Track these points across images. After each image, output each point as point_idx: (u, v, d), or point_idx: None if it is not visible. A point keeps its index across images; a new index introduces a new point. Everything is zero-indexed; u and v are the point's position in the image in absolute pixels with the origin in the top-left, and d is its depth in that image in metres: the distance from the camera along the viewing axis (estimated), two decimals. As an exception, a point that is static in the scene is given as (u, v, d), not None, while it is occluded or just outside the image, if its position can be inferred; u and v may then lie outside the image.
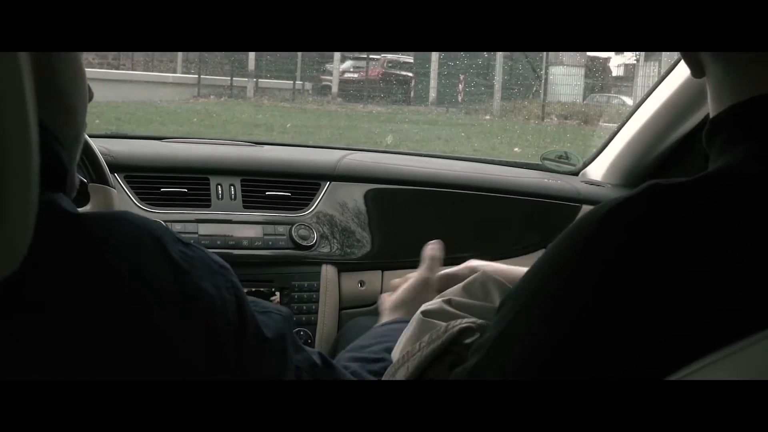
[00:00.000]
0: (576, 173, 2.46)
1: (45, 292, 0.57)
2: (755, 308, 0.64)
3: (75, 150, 0.74)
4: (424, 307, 1.13)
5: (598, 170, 2.41)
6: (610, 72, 15.57)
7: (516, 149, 9.28)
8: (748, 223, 0.67)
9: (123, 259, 0.61)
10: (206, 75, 14.23)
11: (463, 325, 1.00)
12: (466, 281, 1.19)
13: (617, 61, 15.59)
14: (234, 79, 14.28)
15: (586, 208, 2.19)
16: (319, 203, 2.04)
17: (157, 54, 14.61)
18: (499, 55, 12.91)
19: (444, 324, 1.04)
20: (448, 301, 1.13)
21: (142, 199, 1.87)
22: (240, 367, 0.66)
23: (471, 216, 2.19)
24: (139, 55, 14.16)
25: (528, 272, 0.78)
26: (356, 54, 15.13)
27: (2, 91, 0.45)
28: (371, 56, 14.89)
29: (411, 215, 2.16)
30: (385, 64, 15.14)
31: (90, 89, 0.78)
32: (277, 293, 1.91)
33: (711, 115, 0.80)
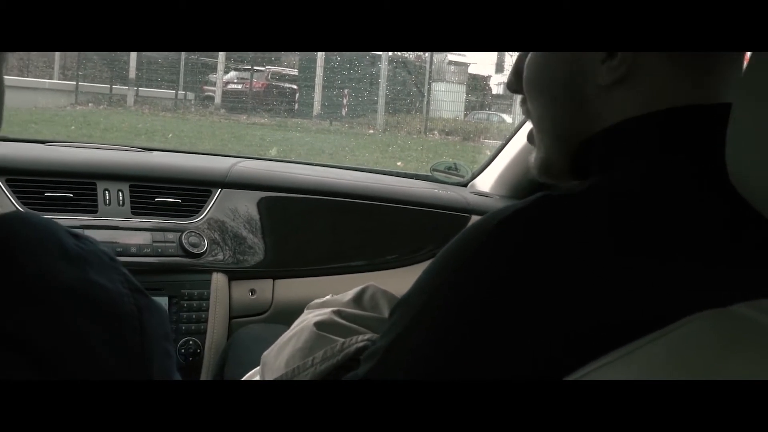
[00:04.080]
0: (465, 185, 2.51)
1: None
2: (639, 318, 0.66)
3: None
4: (315, 318, 1.12)
5: (486, 182, 2.47)
6: (491, 90, 15.91)
7: (399, 164, 9.37)
8: (636, 231, 0.70)
9: (26, 259, 0.60)
10: (84, 82, 13.87)
11: (360, 345, 1.00)
12: (355, 292, 1.19)
13: (497, 80, 15.96)
14: (114, 87, 13.95)
15: (475, 218, 2.23)
16: (210, 210, 2.01)
17: (33, 58, 14.15)
18: (384, 69, 13.03)
19: (340, 340, 1.03)
20: (338, 312, 1.12)
21: (25, 204, 1.80)
22: (146, 362, 0.65)
23: (363, 225, 2.21)
24: (12, 60, 13.70)
25: (418, 281, 0.78)
26: (240, 65, 15.02)
27: None
28: (256, 68, 14.80)
29: (303, 224, 2.15)
30: (269, 76, 15.07)
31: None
32: (167, 301, 1.87)
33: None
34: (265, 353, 1.18)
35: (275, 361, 1.13)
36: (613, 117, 0.80)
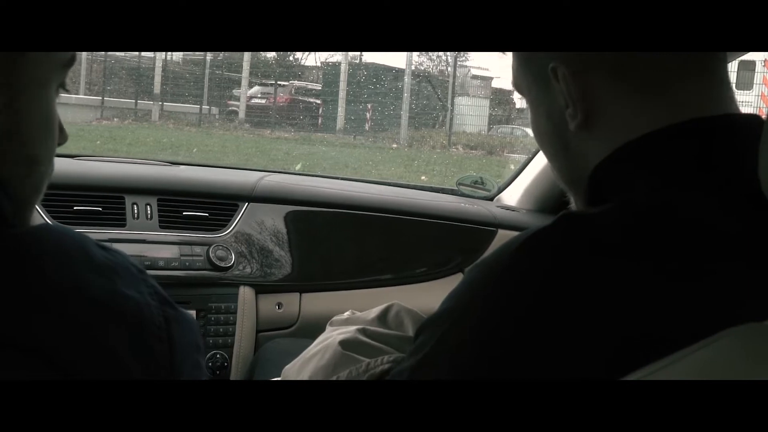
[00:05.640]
0: (491, 198, 2.50)
1: None
2: (669, 333, 0.65)
3: (33, 197, 0.73)
4: (339, 336, 1.12)
5: (512, 196, 2.46)
6: (514, 104, 15.90)
7: (423, 178, 9.38)
8: (658, 250, 0.69)
9: (54, 270, 0.60)
10: (110, 97, 13.99)
11: (385, 366, 1.00)
12: (379, 310, 1.18)
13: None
14: (139, 101, 14.07)
15: (502, 232, 2.22)
16: (237, 224, 2.01)
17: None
18: (407, 84, 13.05)
19: (365, 361, 1.03)
20: (363, 331, 1.11)
21: (54, 218, 1.81)
22: (174, 372, 0.65)
23: (389, 239, 2.20)
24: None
25: (445, 302, 0.77)
26: (264, 80, 15.10)
27: None
28: (280, 83, 14.88)
29: (330, 238, 2.15)
30: (293, 91, 15.15)
31: (64, 131, 0.76)
32: (194, 315, 1.87)
33: (595, 153, 0.83)
34: (286, 368, 1.18)
35: (297, 376, 1.12)
36: (592, 158, 0.82)
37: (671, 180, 0.75)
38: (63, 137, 0.76)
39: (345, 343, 1.09)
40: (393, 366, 0.97)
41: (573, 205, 0.93)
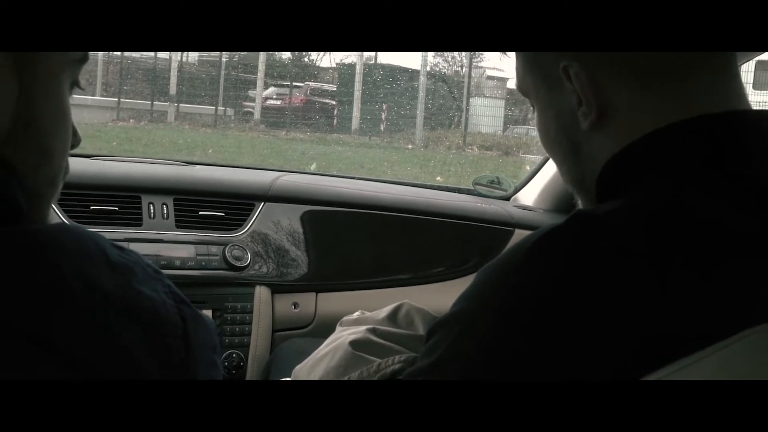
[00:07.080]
0: (507, 198, 2.49)
1: None
2: (685, 333, 0.65)
3: (48, 192, 0.73)
4: (350, 336, 1.12)
5: (529, 196, 2.45)
6: (530, 105, 15.83)
7: (438, 178, 9.36)
8: (672, 249, 0.68)
9: (71, 268, 0.60)
10: (126, 99, 14.03)
11: (396, 367, 0.99)
12: (389, 310, 1.18)
13: (537, 94, 15.86)
14: (155, 103, 14.10)
15: (519, 232, 2.22)
16: (253, 224, 2.02)
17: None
18: (422, 84, 13.03)
19: (376, 361, 1.02)
20: (374, 330, 1.11)
21: (71, 217, 1.82)
22: (190, 371, 0.65)
23: (406, 239, 2.20)
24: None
25: (457, 303, 0.77)
26: (279, 81, 15.12)
27: None
28: (295, 83, 14.90)
29: (346, 237, 2.15)
30: (308, 92, 15.15)
31: (77, 134, 0.76)
32: (210, 314, 1.88)
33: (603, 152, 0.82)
34: (297, 368, 1.18)
35: (307, 377, 1.12)
36: (602, 157, 0.81)
37: (682, 177, 0.74)
38: (76, 140, 0.76)
39: (355, 344, 1.08)
40: (404, 366, 0.97)
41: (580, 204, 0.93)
